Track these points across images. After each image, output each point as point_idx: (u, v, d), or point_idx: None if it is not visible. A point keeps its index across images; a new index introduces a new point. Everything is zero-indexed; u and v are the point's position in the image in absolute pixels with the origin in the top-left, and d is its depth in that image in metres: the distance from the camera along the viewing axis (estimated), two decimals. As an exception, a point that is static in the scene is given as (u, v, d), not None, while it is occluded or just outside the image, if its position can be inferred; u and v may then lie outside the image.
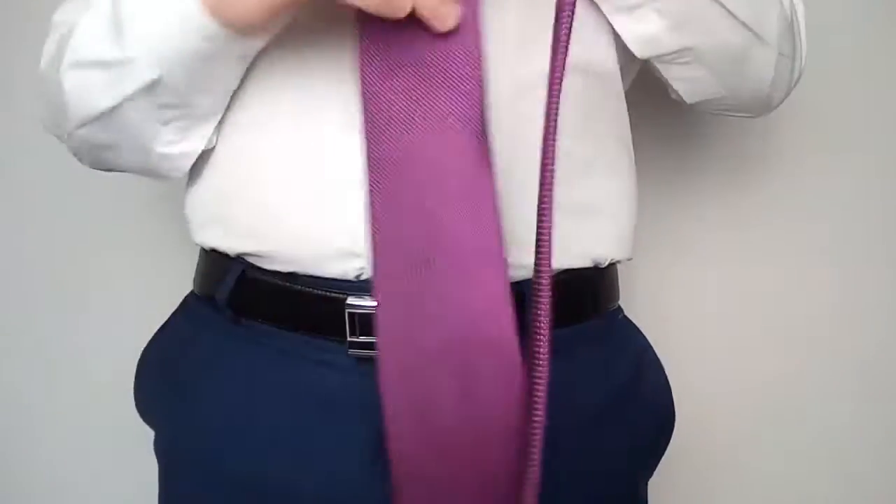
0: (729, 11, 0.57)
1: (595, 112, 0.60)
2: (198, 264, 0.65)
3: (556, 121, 0.47)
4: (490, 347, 0.49)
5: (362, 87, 0.49)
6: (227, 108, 0.57)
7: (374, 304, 0.50)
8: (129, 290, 1.00)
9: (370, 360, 0.52)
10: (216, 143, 0.58)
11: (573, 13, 0.46)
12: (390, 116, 0.49)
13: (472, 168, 0.49)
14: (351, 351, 0.56)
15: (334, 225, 0.55)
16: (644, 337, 0.69)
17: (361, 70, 0.49)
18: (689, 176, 0.99)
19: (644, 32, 0.57)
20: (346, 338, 0.56)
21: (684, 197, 0.99)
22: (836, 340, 0.99)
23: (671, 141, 0.97)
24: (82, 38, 0.55)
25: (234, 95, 0.57)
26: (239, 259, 0.59)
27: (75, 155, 0.63)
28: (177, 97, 0.54)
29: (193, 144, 0.58)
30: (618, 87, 0.63)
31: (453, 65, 0.48)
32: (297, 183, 0.56)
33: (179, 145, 0.57)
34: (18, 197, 1.00)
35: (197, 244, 0.64)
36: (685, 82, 0.62)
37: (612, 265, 0.64)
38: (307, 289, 0.57)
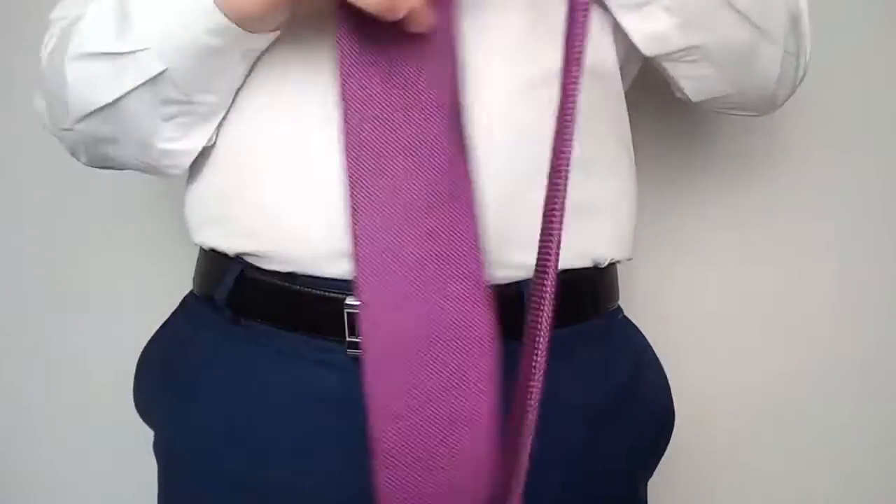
0: (737, 9, 0.57)
1: (595, 112, 0.60)
2: (197, 264, 0.65)
3: (572, 122, 0.46)
4: (474, 344, 0.49)
5: (340, 83, 0.50)
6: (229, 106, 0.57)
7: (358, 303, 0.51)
8: (129, 290, 1.00)
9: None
10: (216, 140, 0.58)
11: (587, 13, 0.46)
12: (365, 114, 0.50)
13: (450, 170, 0.49)
14: (349, 351, 0.56)
15: (332, 225, 0.55)
16: (643, 337, 0.69)
17: (340, 68, 0.50)
18: (691, 175, 0.98)
19: (652, 30, 0.57)
20: (344, 338, 0.56)
21: (685, 196, 0.99)
22: (836, 340, 0.99)
23: (673, 140, 0.97)
24: (88, 29, 0.55)
25: (237, 94, 0.57)
26: (238, 259, 0.59)
27: (73, 152, 0.63)
28: (180, 93, 0.54)
29: (194, 142, 0.58)
30: (618, 88, 0.63)
31: (431, 65, 0.49)
32: (295, 183, 0.56)
33: (181, 142, 0.57)
34: (18, 197, 1.01)
35: (196, 244, 0.64)
36: (692, 80, 0.62)
37: (612, 265, 0.64)
38: (306, 289, 0.57)
